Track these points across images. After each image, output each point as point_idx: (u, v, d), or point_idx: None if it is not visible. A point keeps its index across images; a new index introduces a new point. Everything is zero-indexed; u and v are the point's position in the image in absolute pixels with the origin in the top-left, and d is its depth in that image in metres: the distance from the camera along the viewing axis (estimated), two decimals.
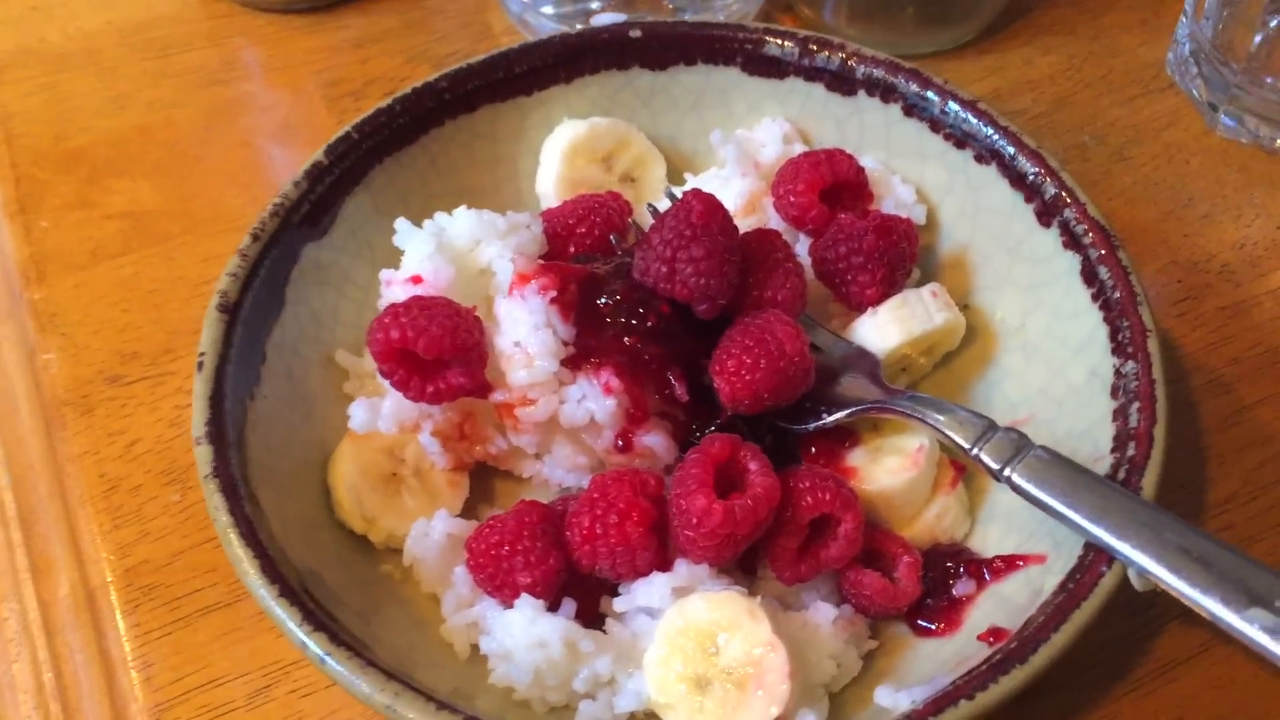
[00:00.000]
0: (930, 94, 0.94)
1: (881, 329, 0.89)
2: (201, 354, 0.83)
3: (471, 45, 1.29)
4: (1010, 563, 0.80)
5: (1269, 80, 1.11)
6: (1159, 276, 1.05)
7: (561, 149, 1.01)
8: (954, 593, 0.81)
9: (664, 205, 0.97)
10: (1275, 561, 0.89)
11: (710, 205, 0.84)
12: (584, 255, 0.93)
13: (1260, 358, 1.00)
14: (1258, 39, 1.09)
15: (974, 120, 0.93)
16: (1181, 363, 0.99)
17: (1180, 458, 0.93)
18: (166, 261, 1.09)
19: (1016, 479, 0.75)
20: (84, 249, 1.10)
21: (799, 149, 1.00)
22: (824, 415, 0.85)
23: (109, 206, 1.13)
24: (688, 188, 1.01)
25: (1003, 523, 0.84)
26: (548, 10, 1.24)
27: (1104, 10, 1.27)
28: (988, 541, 0.84)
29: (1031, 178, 0.90)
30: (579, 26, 1.21)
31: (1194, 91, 1.17)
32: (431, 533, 0.84)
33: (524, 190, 1.04)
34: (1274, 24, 1.07)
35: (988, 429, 0.78)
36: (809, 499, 0.79)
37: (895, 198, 0.97)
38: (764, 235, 0.89)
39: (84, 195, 1.14)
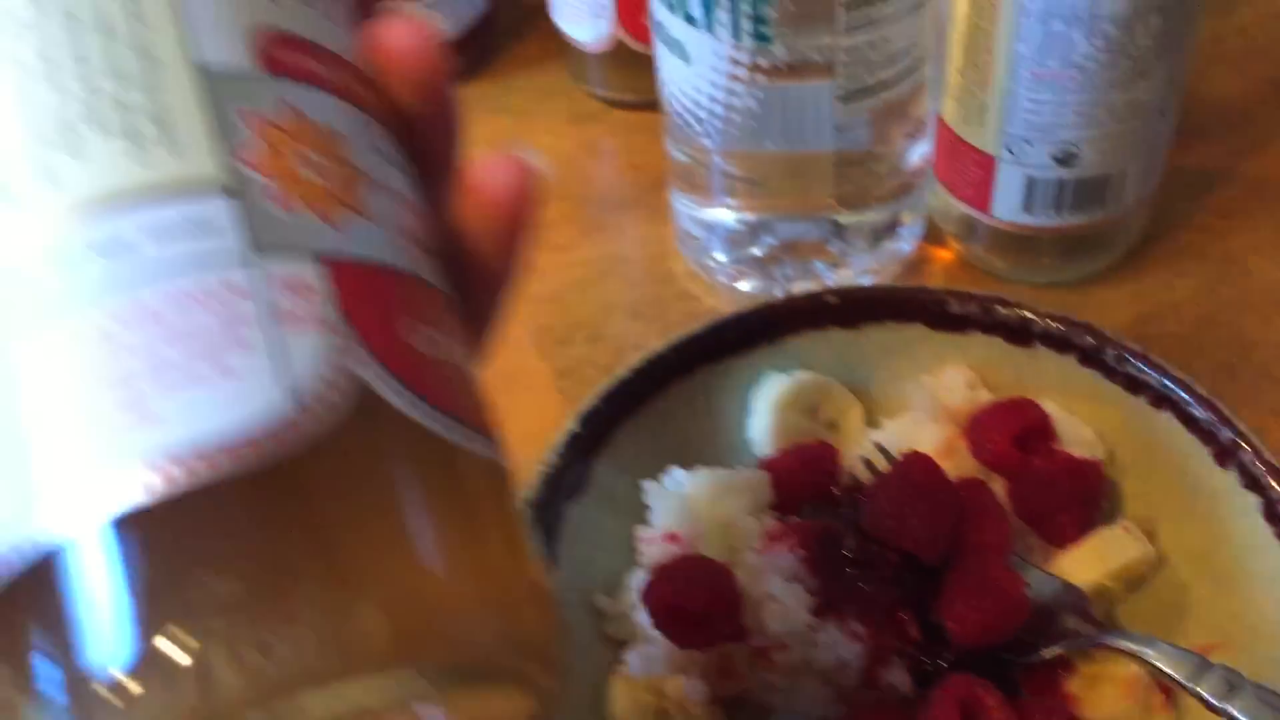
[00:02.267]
0: (1106, 349, 1.07)
1: (1083, 564, 1.01)
2: None
3: (658, 289, 1.44)
4: None
5: None
6: None
7: (773, 403, 1.15)
8: None
9: (872, 453, 1.11)
10: None
11: (929, 467, 0.98)
12: (812, 506, 1.07)
13: None
14: None
15: (1148, 370, 1.05)
16: None
17: None
18: None
19: (1240, 716, 0.85)
20: None
21: (983, 395, 1.14)
22: (1041, 648, 0.97)
23: None
24: (887, 433, 1.15)
25: None
26: (720, 257, 1.40)
27: (1228, 233, 1.40)
28: None
29: (1206, 423, 1.02)
30: (746, 278, 1.37)
31: None
32: None
33: (735, 437, 1.18)
34: None
35: (1200, 664, 0.89)
36: None
37: (1077, 439, 1.09)
38: (972, 485, 1.03)
39: None
